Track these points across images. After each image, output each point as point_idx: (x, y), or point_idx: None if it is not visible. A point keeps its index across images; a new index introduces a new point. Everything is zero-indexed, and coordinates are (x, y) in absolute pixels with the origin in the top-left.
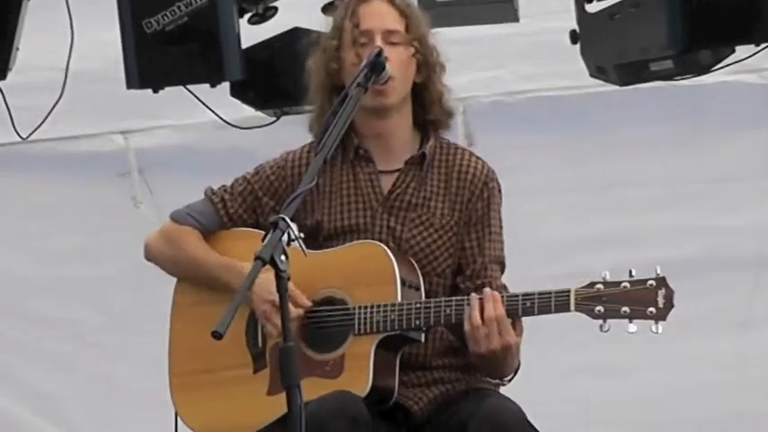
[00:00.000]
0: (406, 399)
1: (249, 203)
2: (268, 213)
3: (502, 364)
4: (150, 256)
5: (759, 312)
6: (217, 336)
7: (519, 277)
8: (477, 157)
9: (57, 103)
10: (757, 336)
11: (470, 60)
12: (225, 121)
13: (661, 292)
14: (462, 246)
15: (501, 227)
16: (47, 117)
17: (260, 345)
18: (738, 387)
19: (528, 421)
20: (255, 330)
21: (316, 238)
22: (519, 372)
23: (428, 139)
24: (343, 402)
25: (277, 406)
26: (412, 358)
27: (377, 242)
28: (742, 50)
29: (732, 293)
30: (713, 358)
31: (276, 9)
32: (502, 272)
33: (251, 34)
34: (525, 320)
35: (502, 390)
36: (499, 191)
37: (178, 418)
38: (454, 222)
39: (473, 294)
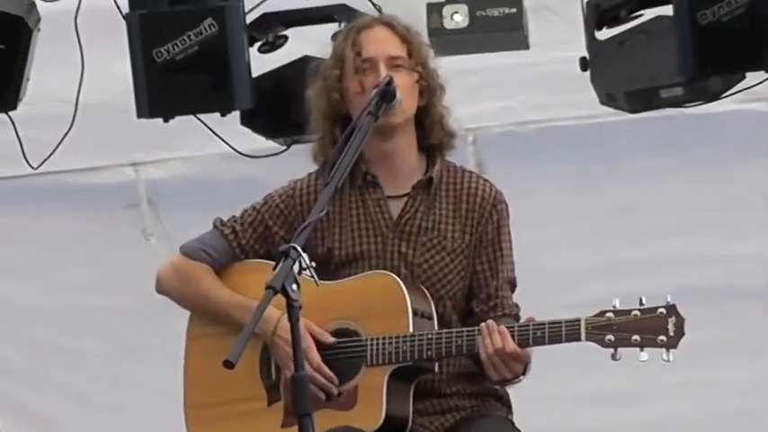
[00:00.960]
0: (422, 428)
1: (260, 233)
2: (279, 243)
3: (512, 383)
4: (162, 289)
5: None
6: (228, 365)
7: (529, 306)
8: (485, 179)
9: (66, 134)
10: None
11: (481, 90)
12: (236, 150)
13: (671, 320)
14: (474, 269)
15: (511, 248)
16: (56, 148)
17: (273, 377)
18: (748, 415)
19: None
20: (269, 363)
21: (327, 266)
22: (528, 401)
23: (434, 163)
24: None
25: None
26: (427, 385)
27: (389, 273)
28: (752, 77)
29: (742, 321)
30: (722, 386)
31: (286, 38)
32: (512, 291)
33: (261, 63)
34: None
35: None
36: (507, 211)
37: None
38: (465, 245)
39: (483, 324)
